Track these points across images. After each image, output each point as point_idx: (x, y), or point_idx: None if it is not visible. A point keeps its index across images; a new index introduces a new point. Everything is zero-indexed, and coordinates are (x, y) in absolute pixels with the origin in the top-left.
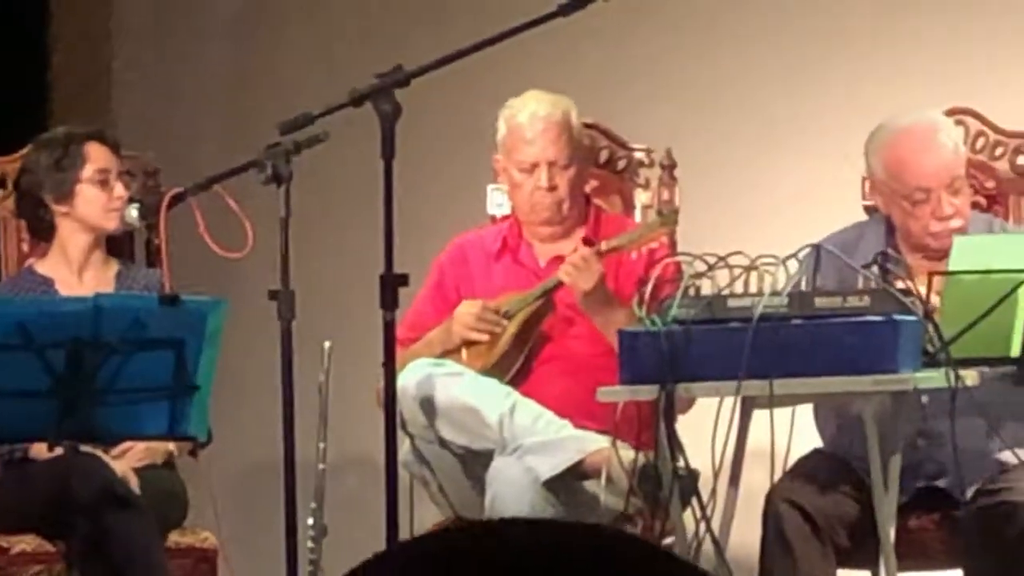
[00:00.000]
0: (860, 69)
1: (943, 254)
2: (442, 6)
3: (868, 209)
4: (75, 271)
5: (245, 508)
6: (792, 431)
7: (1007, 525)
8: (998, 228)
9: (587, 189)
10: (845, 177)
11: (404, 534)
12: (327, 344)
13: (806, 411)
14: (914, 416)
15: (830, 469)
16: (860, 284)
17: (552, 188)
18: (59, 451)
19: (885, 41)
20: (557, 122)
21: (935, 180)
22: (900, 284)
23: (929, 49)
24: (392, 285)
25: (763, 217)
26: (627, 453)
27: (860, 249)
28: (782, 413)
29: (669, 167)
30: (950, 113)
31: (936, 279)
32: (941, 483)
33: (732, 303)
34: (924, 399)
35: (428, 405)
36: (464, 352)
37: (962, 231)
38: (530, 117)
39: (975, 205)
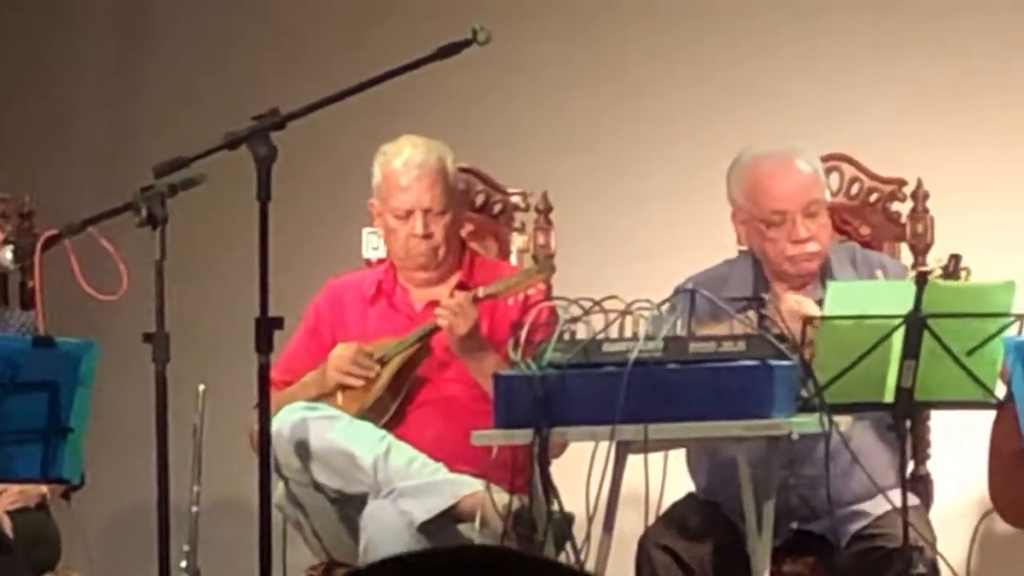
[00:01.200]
0: (735, 115)
1: (805, 281)
2: (320, 49)
3: (742, 251)
4: None
5: (118, 551)
6: (665, 476)
7: (882, 569)
8: (860, 257)
9: (463, 233)
10: (719, 221)
11: None
12: (201, 387)
13: (680, 456)
14: (786, 460)
15: (703, 514)
16: (735, 327)
17: (427, 235)
18: None
19: (760, 88)
20: (432, 169)
21: (790, 202)
22: (776, 329)
23: (804, 96)
24: (267, 328)
25: (638, 261)
26: (502, 497)
27: (728, 286)
28: (656, 458)
29: (545, 211)
30: (826, 159)
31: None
32: (815, 527)
33: (607, 347)
34: (794, 435)
35: (302, 448)
36: (339, 396)
37: (819, 256)
38: (404, 164)
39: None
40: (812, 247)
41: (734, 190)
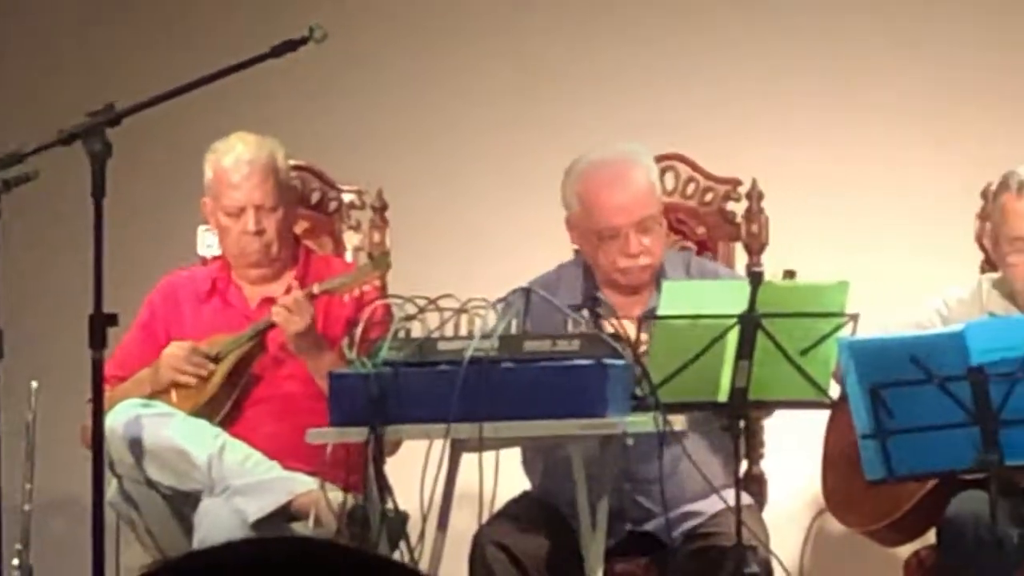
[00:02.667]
0: (571, 114)
1: (635, 290)
2: (156, 45)
3: (579, 253)
4: None
5: None
6: (498, 474)
7: (715, 568)
8: (695, 266)
9: (297, 231)
10: (555, 221)
11: (110, 575)
12: (34, 384)
13: (516, 454)
14: (621, 459)
15: (538, 512)
16: (570, 327)
17: (259, 232)
18: None
19: (596, 88)
20: (263, 165)
21: (623, 217)
22: (609, 328)
23: (639, 96)
24: (101, 324)
25: (474, 260)
26: (336, 495)
27: (560, 291)
28: (491, 456)
29: (380, 209)
30: (660, 159)
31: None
32: (649, 527)
33: (442, 346)
34: (629, 441)
35: (136, 446)
36: (174, 393)
37: (651, 268)
38: (235, 161)
39: (684, 250)
40: (644, 260)
41: (569, 195)
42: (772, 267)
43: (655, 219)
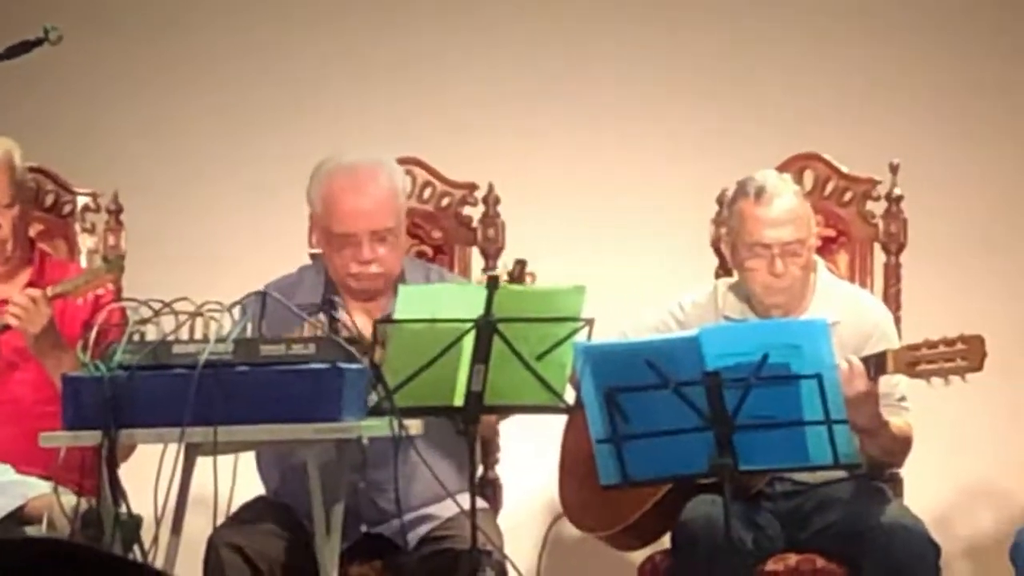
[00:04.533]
0: (309, 119)
1: (372, 296)
2: None
3: (314, 257)
4: None
5: None
6: (235, 478)
7: (450, 571)
8: (436, 277)
9: (32, 233)
10: (292, 225)
11: None
12: None
13: (253, 457)
14: (356, 462)
15: (273, 515)
16: (306, 331)
17: None
18: None
19: (336, 93)
20: None
21: (359, 225)
22: (346, 332)
23: (377, 100)
24: None
25: (209, 263)
26: (69, 499)
27: (299, 294)
28: (229, 459)
29: (116, 212)
30: (398, 163)
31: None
32: (384, 530)
33: (177, 349)
34: (365, 441)
35: None
36: None
37: (385, 276)
38: None
39: (421, 255)
40: (375, 268)
41: (313, 195)
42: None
43: (393, 231)
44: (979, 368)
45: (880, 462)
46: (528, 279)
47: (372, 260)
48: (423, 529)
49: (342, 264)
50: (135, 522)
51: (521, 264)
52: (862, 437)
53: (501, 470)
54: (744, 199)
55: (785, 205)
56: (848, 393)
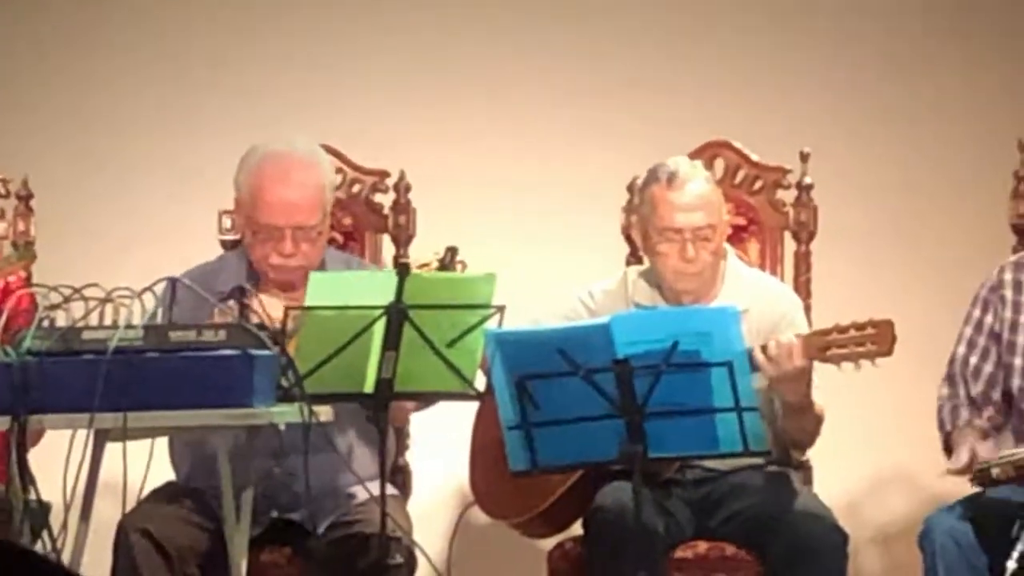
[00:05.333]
0: (222, 104)
1: (292, 285)
2: None
3: (225, 244)
4: None
5: None
6: (150, 463)
7: (359, 557)
8: (356, 266)
9: None
10: (203, 211)
11: None
12: None
13: (164, 443)
14: (270, 449)
15: (183, 501)
16: (216, 317)
17: None
18: None
19: (249, 79)
20: None
21: (285, 219)
22: (256, 318)
23: (290, 86)
24: None
25: (119, 250)
26: None
27: (221, 281)
28: (140, 445)
29: (25, 198)
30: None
31: (293, 313)
32: (295, 516)
33: (87, 335)
34: (282, 427)
35: None
36: None
37: (305, 268)
38: None
39: (331, 241)
40: (296, 262)
41: (240, 182)
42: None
43: (317, 227)
44: (889, 353)
45: (796, 441)
46: (459, 267)
47: (294, 254)
48: (333, 514)
49: (263, 254)
50: (44, 508)
51: (452, 251)
52: (788, 414)
53: (412, 457)
54: (656, 184)
55: (697, 190)
56: (787, 368)
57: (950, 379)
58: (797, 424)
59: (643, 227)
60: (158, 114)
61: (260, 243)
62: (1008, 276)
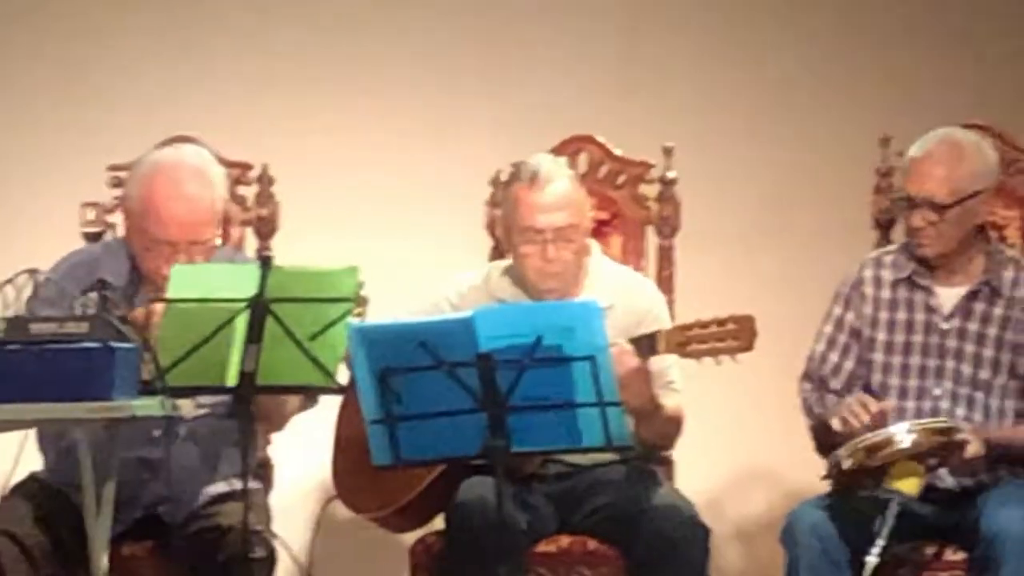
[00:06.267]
0: (88, 99)
1: None
2: None
3: (88, 236)
4: None
5: None
6: (20, 456)
7: (217, 551)
8: (239, 262)
9: None
10: (64, 203)
11: None
12: None
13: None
14: (134, 442)
15: (45, 497)
16: (78, 310)
17: None
18: None
19: (110, 74)
20: None
21: (178, 235)
22: (119, 311)
23: (147, 78)
24: None
25: None
26: None
27: (102, 267)
28: (12, 437)
29: None
30: (170, 142)
31: (158, 306)
32: (157, 510)
33: None
34: (156, 433)
35: None
36: None
37: None
38: None
39: None
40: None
41: (132, 191)
42: (283, 252)
43: (210, 240)
44: (750, 348)
45: (652, 444)
46: None
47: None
48: (194, 508)
49: (156, 267)
50: None
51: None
52: (636, 420)
53: (274, 451)
54: (518, 184)
55: (558, 191)
56: (619, 372)
57: (809, 376)
58: (647, 428)
59: (506, 225)
60: (18, 107)
61: (152, 257)
62: (868, 273)
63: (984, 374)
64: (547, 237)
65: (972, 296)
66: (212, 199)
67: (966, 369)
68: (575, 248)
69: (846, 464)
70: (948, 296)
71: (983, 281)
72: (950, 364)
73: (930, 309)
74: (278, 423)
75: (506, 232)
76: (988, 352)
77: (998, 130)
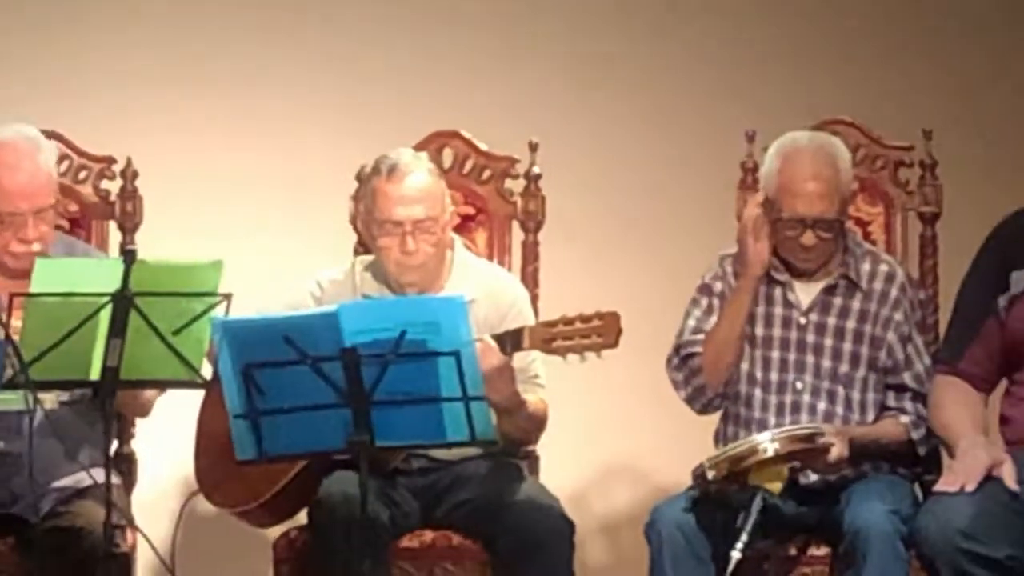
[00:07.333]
0: None
1: (25, 273)
2: None
3: None
4: None
5: None
6: None
7: (74, 547)
8: (80, 251)
9: None
10: None
11: None
12: None
13: None
14: None
15: None
16: None
17: None
18: None
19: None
20: None
21: (24, 205)
22: None
23: (18, 72)
24: None
25: None
26: None
27: None
28: None
29: None
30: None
31: (19, 300)
32: (16, 509)
33: None
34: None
35: None
36: None
37: (43, 254)
38: None
39: (58, 227)
40: (37, 246)
41: None
42: (146, 246)
43: (53, 209)
44: (615, 344)
45: (516, 439)
46: None
47: (35, 239)
48: (54, 503)
49: (3, 243)
50: None
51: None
52: (499, 416)
53: (137, 445)
54: (377, 177)
55: (417, 183)
56: (484, 368)
57: (677, 352)
58: (511, 423)
59: (366, 219)
60: None
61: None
62: (728, 267)
63: (844, 368)
64: (406, 229)
65: (830, 290)
66: (49, 166)
67: (826, 363)
68: (435, 241)
69: (711, 475)
70: (806, 291)
71: (841, 275)
72: (810, 359)
73: (789, 304)
74: (139, 411)
75: (366, 226)
76: (847, 346)
77: (862, 126)
